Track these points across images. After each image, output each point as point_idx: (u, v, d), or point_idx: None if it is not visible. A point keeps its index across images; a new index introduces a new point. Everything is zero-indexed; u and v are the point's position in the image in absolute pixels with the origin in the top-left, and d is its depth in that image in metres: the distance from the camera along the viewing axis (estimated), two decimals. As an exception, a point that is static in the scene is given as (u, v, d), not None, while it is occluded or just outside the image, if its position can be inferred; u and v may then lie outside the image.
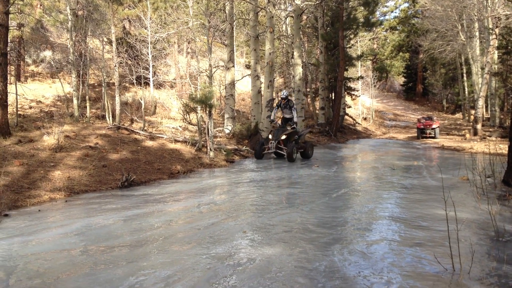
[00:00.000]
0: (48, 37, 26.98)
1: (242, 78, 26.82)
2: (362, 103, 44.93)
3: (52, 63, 23.38)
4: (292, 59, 25.26)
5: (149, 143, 14.98)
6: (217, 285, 4.46)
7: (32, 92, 18.91)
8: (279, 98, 15.93)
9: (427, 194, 9.25)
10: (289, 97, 15.54)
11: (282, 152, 15.22)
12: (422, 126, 31.33)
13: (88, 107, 17.54)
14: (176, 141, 15.70)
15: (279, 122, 16.56)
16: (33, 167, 10.63)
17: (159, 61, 24.07)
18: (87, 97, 17.97)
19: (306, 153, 15.82)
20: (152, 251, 5.66)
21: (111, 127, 15.87)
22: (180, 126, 18.68)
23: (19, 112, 15.31)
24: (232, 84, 20.95)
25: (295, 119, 15.40)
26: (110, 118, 17.09)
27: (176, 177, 12.19)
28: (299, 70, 23.02)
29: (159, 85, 25.04)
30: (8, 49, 13.02)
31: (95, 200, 9.19)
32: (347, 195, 9.34)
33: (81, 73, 18.94)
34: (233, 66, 21.44)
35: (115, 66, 18.18)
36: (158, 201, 8.92)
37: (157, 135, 16.02)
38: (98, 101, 20.65)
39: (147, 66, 20.70)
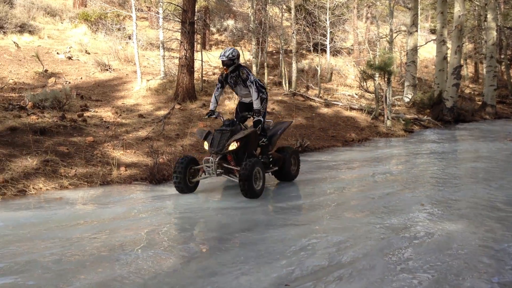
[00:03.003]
0: (231, 6, 28.50)
1: (426, 43, 25.04)
2: None
3: (234, 31, 24.66)
4: (485, 23, 22.70)
5: (323, 110, 14.97)
6: (391, 255, 4.27)
7: (215, 59, 20.16)
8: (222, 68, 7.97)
9: None
10: (237, 60, 6.92)
11: (233, 178, 6.83)
12: None
13: (266, 74, 18.15)
14: (351, 108, 15.42)
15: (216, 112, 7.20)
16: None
17: (337, 27, 23.75)
18: (265, 64, 18.59)
19: (285, 171, 7.56)
20: (324, 216, 5.65)
21: (287, 93, 16.23)
22: (356, 94, 18.28)
23: (204, 78, 16.46)
24: (415, 50, 19.72)
25: (256, 105, 6.93)
26: (286, 84, 17.46)
27: (350, 145, 12.01)
28: (492, 35, 20.60)
29: (336, 52, 24.78)
30: (195, 19, 13.97)
31: (271, 163, 9.52)
32: (548, 173, 8.12)
33: (260, 41, 19.62)
34: (416, 31, 20.12)
35: (293, 33, 18.43)
36: (331, 168, 8.87)
37: (332, 102, 15.90)
38: (275, 68, 21.25)
39: (325, 33, 20.57)
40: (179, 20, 13.78)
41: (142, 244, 4.59)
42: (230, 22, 25.52)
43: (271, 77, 19.14)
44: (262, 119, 7.04)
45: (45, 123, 9.14)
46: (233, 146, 6.54)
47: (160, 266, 3.99)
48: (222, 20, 26.10)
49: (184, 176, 6.66)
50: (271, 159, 7.23)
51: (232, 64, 6.89)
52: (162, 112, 12.06)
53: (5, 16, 16.88)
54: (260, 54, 19.27)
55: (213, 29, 25.45)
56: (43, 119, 9.45)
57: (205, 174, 6.78)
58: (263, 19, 19.42)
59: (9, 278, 3.69)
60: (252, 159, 6.49)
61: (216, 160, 6.58)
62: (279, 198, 6.64)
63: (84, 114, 10.63)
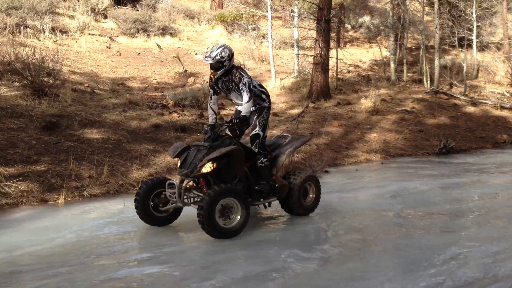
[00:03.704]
0: (367, 2, 27.68)
1: None
2: None
3: (371, 27, 23.85)
4: None
5: (470, 109, 13.85)
6: (561, 272, 3.70)
7: (350, 57, 19.69)
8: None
9: None
10: (228, 61, 5.02)
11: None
12: None
13: (404, 71, 17.30)
14: (502, 107, 14.06)
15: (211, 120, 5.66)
16: (350, 128, 11.10)
17: (484, 20, 21.84)
18: (404, 60, 17.72)
19: (292, 203, 5.34)
20: (474, 224, 5.17)
21: (428, 91, 15.30)
22: (507, 92, 16.60)
23: (338, 76, 16.15)
24: None
25: (243, 110, 5.15)
26: (428, 82, 16.43)
27: (502, 147, 11.00)
28: None
29: (482, 47, 22.82)
30: (331, 16, 13.73)
31: (410, 165, 9.04)
32: None
33: (399, 37, 18.71)
34: None
35: (435, 28, 17.29)
36: (481, 171, 8.12)
37: (480, 100, 14.63)
38: (415, 64, 20.13)
39: (471, 27, 19.01)
40: (314, 18, 13.69)
41: (276, 242, 4.54)
42: (366, 18, 24.77)
43: (410, 74, 18.20)
44: (260, 133, 5.30)
45: (185, 121, 9.63)
46: (206, 168, 4.68)
47: (300, 266, 3.88)
48: (358, 16, 25.42)
49: (144, 203, 4.95)
50: (273, 185, 5.24)
51: (221, 67, 5.05)
52: (296, 111, 12.07)
53: (149, 19, 18.15)
54: (398, 50, 18.42)
55: (348, 26, 24.88)
56: (183, 117, 9.97)
57: (169, 205, 5.03)
58: (402, 14, 18.51)
59: (157, 268, 3.85)
60: (219, 186, 4.56)
61: (184, 185, 4.91)
62: (422, 202, 6.16)
63: (221, 113, 11.00)
